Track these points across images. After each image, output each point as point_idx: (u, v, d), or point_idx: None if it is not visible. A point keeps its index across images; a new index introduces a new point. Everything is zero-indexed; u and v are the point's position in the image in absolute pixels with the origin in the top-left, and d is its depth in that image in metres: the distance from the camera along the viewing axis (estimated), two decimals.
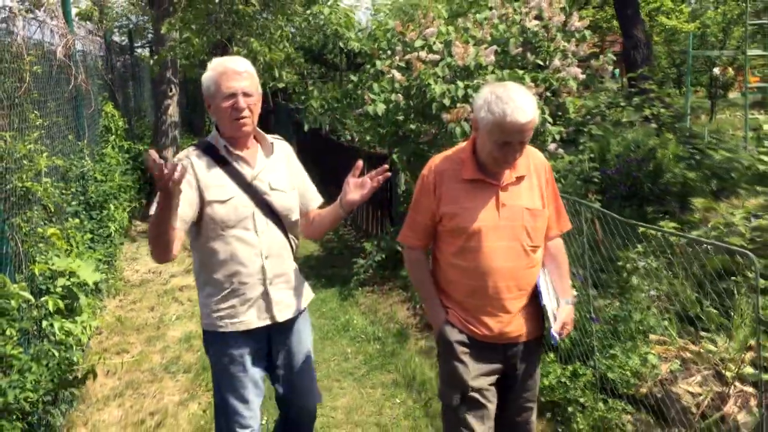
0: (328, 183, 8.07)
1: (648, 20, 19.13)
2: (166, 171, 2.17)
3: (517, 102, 2.46)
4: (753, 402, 3.68)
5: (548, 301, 2.68)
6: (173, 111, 10.04)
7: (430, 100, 6.46)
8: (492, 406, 2.73)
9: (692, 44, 14.56)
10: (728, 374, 3.91)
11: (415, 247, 2.83)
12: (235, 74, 2.62)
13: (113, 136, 7.77)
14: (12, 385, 2.93)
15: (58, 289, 4.01)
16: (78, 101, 6.28)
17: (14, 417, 3.01)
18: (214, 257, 2.66)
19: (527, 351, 2.77)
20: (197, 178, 2.62)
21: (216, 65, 2.67)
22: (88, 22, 8.48)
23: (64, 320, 3.95)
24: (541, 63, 7.03)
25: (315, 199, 2.99)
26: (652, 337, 4.32)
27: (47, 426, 3.61)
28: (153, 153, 2.15)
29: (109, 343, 5.58)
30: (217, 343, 2.74)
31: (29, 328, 3.45)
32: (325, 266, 7.83)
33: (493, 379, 2.74)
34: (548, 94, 6.96)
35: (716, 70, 18.60)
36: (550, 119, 6.57)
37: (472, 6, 7.96)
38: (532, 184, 2.72)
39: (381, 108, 6.72)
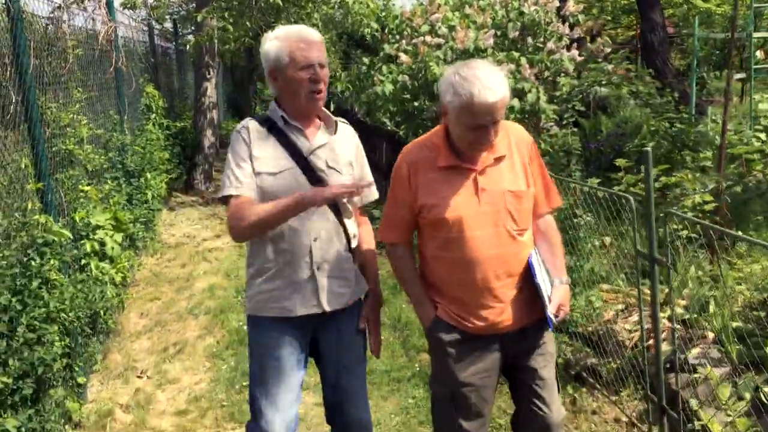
0: None
1: (684, 2, 19.20)
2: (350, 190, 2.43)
3: (484, 81, 2.32)
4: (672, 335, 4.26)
5: (541, 282, 2.53)
6: (211, 93, 10.89)
7: (432, 80, 7.09)
8: (485, 404, 2.62)
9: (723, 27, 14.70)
10: (661, 314, 4.49)
11: (396, 243, 2.67)
12: (312, 43, 2.48)
13: (154, 114, 8.63)
14: (54, 299, 3.71)
15: (96, 236, 4.84)
16: (119, 81, 7.14)
17: (57, 329, 3.79)
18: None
19: (530, 336, 2.62)
20: (250, 147, 2.51)
21: (288, 34, 2.51)
22: (132, 11, 9.36)
23: (99, 262, 4.78)
24: (540, 46, 7.58)
25: (371, 192, 2.78)
26: (603, 285, 4.91)
27: (86, 349, 4.41)
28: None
29: (144, 292, 6.43)
30: (258, 328, 2.61)
31: (69, 261, 4.25)
32: None
33: (489, 374, 2.60)
34: (547, 73, 7.53)
35: (759, 54, 18.61)
36: (545, 98, 7.12)
37: None
38: (513, 164, 2.57)
39: (389, 88, 7.40)
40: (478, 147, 2.47)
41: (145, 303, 6.16)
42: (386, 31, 7.98)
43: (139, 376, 4.75)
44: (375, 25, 9.67)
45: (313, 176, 2.53)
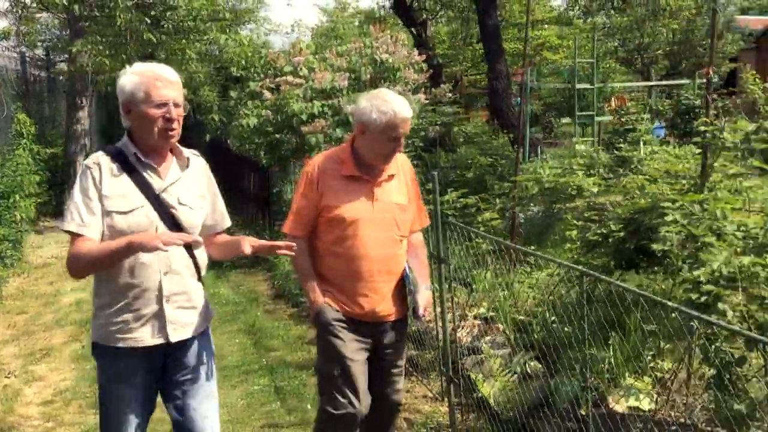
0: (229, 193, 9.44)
1: (534, 54, 21.20)
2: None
3: (399, 101, 2.94)
4: (476, 330, 5.22)
5: (413, 285, 3.04)
6: (84, 120, 11.22)
7: (292, 115, 7.90)
8: (365, 378, 3.05)
9: (566, 77, 16.62)
10: (468, 313, 5.44)
11: (298, 237, 3.04)
12: (168, 83, 2.52)
13: (24, 140, 8.92)
14: None
15: None
16: None
17: None
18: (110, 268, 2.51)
19: (394, 329, 3.12)
20: (100, 187, 2.50)
21: (145, 70, 2.53)
22: (4, 41, 9.62)
23: None
24: (391, 89, 8.59)
25: (223, 221, 2.86)
26: None
27: None
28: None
29: (12, 306, 6.76)
30: (107, 357, 2.60)
31: None
32: None
33: (366, 354, 3.07)
34: None
35: (614, 101, 20.84)
36: None
37: (336, 39, 9.44)
38: (401, 182, 3.11)
39: (253, 121, 8.14)
40: (390, 157, 3.00)
41: (12, 316, 6.50)
42: (252, 69, 8.76)
43: (6, 377, 5.16)
44: (243, 63, 10.41)
45: (165, 213, 2.55)
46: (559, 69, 22.47)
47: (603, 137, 12.19)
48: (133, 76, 2.53)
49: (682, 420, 3.55)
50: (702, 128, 3.52)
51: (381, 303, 3.04)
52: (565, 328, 3.93)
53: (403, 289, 3.11)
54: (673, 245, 3.17)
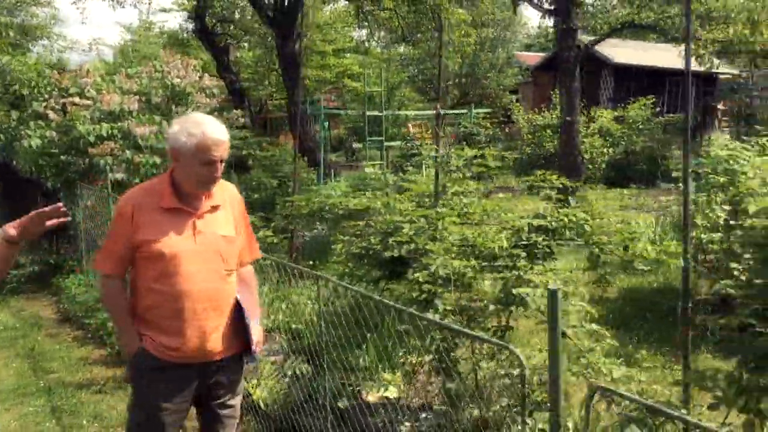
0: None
1: (336, 81, 22.18)
2: None
3: (211, 123, 2.77)
4: None
5: (249, 321, 2.88)
6: None
7: (78, 137, 7.82)
8: (178, 427, 2.89)
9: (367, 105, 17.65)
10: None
11: (111, 276, 2.85)
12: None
13: None
14: None
15: None
16: None
17: None
18: None
19: (226, 367, 2.90)
20: None
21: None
22: None
23: None
24: (185, 111, 8.76)
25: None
26: None
27: None
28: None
29: None
30: None
31: None
32: None
33: (185, 399, 2.85)
34: None
35: (411, 126, 22.21)
36: None
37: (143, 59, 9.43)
38: (227, 213, 2.91)
39: (36, 142, 7.94)
40: (206, 184, 2.79)
41: None
42: (36, 90, 8.53)
43: None
44: (28, 83, 10.04)
45: None
46: (361, 97, 23.64)
47: (393, 161, 13.14)
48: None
49: (422, 402, 4.15)
50: (433, 154, 4.18)
51: (209, 342, 2.81)
52: (332, 333, 4.42)
53: (235, 324, 2.90)
54: (401, 253, 3.75)
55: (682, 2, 9.00)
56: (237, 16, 20.03)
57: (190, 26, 18.23)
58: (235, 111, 9.15)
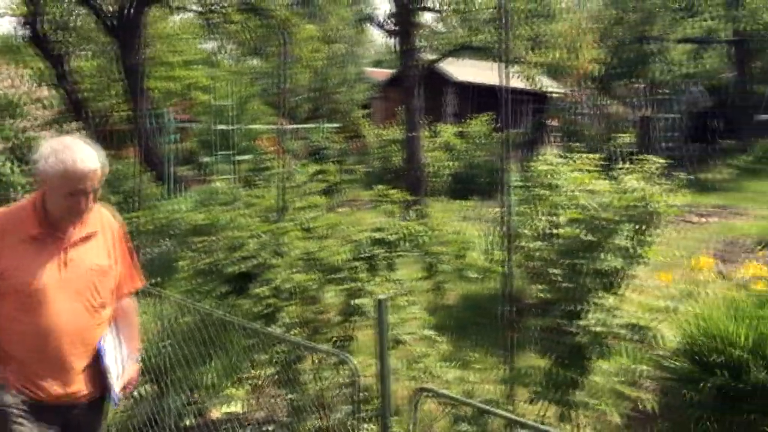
0: None
1: (184, 93, 21.62)
2: None
3: (84, 152, 2.53)
4: None
5: (112, 362, 2.65)
6: None
7: None
8: None
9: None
10: None
11: None
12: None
13: None
14: None
15: None
16: None
17: None
18: None
19: (89, 410, 2.73)
20: None
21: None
22: None
23: None
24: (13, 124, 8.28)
25: None
26: None
27: None
28: None
29: None
30: None
31: None
32: None
33: None
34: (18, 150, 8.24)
35: (261, 142, 22.00)
36: (18, 170, 7.85)
37: None
38: (102, 241, 2.70)
39: None
40: (76, 214, 2.57)
41: None
42: None
43: None
44: None
45: None
46: (211, 109, 23.17)
47: (243, 175, 13.05)
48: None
49: (268, 415, 4.21)
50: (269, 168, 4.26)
51: (74, 383, 2.62)
52: (177, 351, 4.36)
53: (98, 364, 2.70)
54: (246, 269, 3.81)
55: (510, 27, 9.71)
56: (77, 23, 19.03)
57: (26, 32, 17.12)
58: (73, 124, 8.75)
